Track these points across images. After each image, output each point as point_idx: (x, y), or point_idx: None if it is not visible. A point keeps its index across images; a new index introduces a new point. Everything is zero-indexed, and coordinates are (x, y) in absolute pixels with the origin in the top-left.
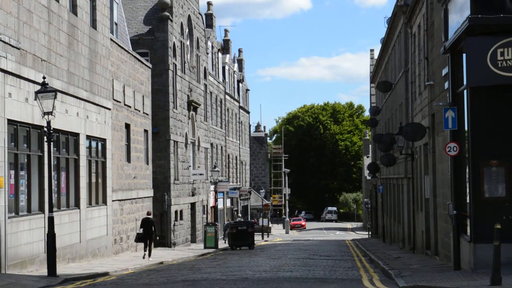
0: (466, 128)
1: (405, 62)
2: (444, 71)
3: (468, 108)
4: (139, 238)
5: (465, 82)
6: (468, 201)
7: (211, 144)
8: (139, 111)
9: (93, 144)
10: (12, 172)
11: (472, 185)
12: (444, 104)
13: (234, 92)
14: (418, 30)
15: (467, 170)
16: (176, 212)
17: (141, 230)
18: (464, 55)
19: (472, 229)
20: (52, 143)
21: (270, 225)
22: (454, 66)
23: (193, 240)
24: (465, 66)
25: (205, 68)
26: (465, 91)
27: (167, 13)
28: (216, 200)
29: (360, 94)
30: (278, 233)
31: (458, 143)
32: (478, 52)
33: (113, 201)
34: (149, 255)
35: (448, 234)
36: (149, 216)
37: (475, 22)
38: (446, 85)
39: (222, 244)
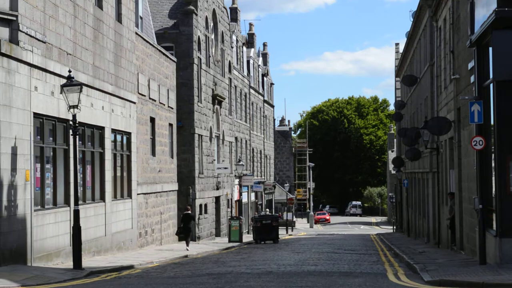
0: (492, 122)
1: (431, 55)
2: (470, 64)
3: (494, 102)
4: (179, 232)
5: (491, 76)
6: (494, 195)
7: (236, 138)
8: (164, 104)
9: (118, 137)
10: (38, 165)
11: (498, 179)
12: (470, 98)
13: (258, 86)
14: (443, 23)
15: (493, 164)
16: (200, 205)
17: (182, 224)
18: (490, 48)
19: (498, 223)
20: (77, 136)
21: (295, 219)
22: (480, 59)
23: (218, 234)
24: (491, 59)
25: (229, 62)
26: (491, 85)
27: (192, 7)
28: (240, 194)
29: (384, 88)
30: (302, 227)
31: (484, 137)
32: (505, 45)
33: (138, 194)
34: (187, 245)
35: (473, 229)
36: (189, 212)
37: (502, 15)
38: (472, 78)
39: (247, 238)
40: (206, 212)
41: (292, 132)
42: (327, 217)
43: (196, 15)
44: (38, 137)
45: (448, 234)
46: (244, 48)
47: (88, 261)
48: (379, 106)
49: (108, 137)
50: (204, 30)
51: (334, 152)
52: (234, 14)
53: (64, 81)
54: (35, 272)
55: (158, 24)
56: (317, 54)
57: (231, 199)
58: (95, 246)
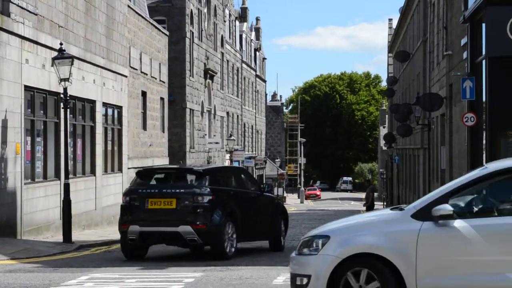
0: (484, 99)
1: (424, 31)
2: (463, 41)
3: (487, 78)
4: None
5: (484, 52)
6: None
7: (227, 113)
8: (156, 78)
9: (109, 111)
10: (29, 138)
11: (489, 156)
12: (462, 74)
13: (251, 60)
14: None
15: (484, 141)
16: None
17: None
18: (483, 24)
19: None
20: (68, 109)
21: (285, 194)
22: (473, 36)
23: None
24: (484, 36)
25: (222, 36)
26: (483, 61)
27: None
28: None
29: (377, 64)
30: (293, 203)
31: (476, 113)
32: (498, 22)
33: (128, 168)
34: None
35: None
36: None
37: None
38: (465, 55)
39: None
40: None
41: (284, 108)
42: (318, 193)
43: None
44: (29, 110)
45: None
46: (237, 22)
47: (78, 235)
48: (371, 82)
49: (99, 110)
50: (197, 3)
51: (325, 127)
52: None
53: (55, 53)
54: (24, 246)
55: None
56: (310, 29)
57: None
58: (85, 220)
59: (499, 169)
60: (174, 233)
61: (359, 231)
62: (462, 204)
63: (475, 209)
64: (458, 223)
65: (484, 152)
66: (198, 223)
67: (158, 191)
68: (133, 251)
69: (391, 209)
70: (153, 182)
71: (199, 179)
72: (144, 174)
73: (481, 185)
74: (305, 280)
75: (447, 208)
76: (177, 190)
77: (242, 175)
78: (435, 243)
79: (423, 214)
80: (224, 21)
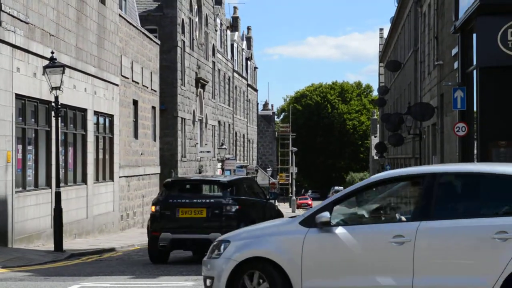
0: (475, 109)
1: (415, 41)
2: (454, 51)
3: (478, 88)
4: None
5: (474, 62)
6: None
7: (219, 122)
8: (147, 87)
9: (101, 120)
10: (20, 146)
11: None
12: (453, 84)
13: (242, 70)
14: (428, 9)
15: (475, 150)
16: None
17: None
18: (474, 35)
19: None
20: (59, 118)
21: (277, 203)
22: (464, 46)
23: None
24: (475, 46)
25: (213, 45)
26: (474, 71)
27: None
28: None
29: (368, 74)
30: (284, 212)
31: (467, 123)
32: (489, 32)
33: (120, 177)
34: None
35: None
36: None
37: (486, 1)
38: (456, 65)
39: None
40: None
41: (276, 117)
42: (310, 202)
43: None
44: (20, 118)
45: None
46: (228, 32)
47: (69, 244)
48: (363, 91)
49: (91, 119)
50: (188, 12)
51: (317, 137)
52: None
53: (46, 62)
54: (15, 254)
55: (141, 6)
56: (301, 39)
57: None
58: (76, 228)
59: (373, 181)
60: (205, 240)
61: (255, 237)
62: (346, 212)
63: (355, 216)
64: (338, 229)
65: (475, 161)
66: (227, 230)
67: (189, 201)
68: (160, 256)
69: (290, 217)
70: (181, 192)
71: (225, 190)
72: (171, 185)
73: (362, 194)
74: (209, 282)
75: (326, 215)
76: (207, 200)
77: (254, 185)
78: (318, 248)
79: (309, 222)
80: (216, 30)
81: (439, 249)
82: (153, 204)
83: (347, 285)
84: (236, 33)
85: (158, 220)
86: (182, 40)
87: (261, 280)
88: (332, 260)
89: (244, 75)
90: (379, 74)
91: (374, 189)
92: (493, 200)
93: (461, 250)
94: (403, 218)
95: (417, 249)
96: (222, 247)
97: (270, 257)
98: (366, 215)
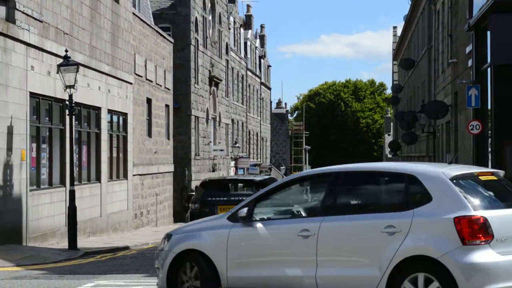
0: (489, 107)
1: (429, 39)
2: (468, 48)
3: (492, 86)
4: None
5: (489, 60)
6: None
7: (232, 120)
8: (161, 86)
9: (115, 118)
10: (34, 145)
11: (494, 164)
12: (467, 82)
13: (255, 68)
14: (442, 7)
15: (489, 148)
16: (196, 187)
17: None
18: (488, 32)
19: None
20: (74, 116)
21: None
22: (478, 43)
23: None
24: (489, 43)
25: (227, 43)
26: (488, 69)
27: None
28: None
29: (381, 72)
30: None
31: (481, 121)
32: (503, 29)
33: (133, 175)
34: None
35: None
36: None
37: None
38: (470, 62)
39: None
40: None
41: (289, 115)
42: None
43: None
44: (34, 116)
45: None
46: (242, 30)
47: (83, 242)
48: (376, 89)
49: (104, 117)
50: (202, 11)
51: (330, 135)
52: None
53: (60, 60)
54: (30, 252)
55: (155, 4)
56: (314, 37)
57: None
58: (90, 226)
59: (289, 179)
60: None
61: (191, 231)
62: (266, 208)
63: (273, 212)
64: (257, 224)
65: (489, 160)
66: None
67: (227, 199)
68: None
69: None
70: (218, 191)
71: (259, 188)
72: (208, 184)
73: (280, 192)
74: (158, 272)
75: (243, 211)
76: (244, 198)
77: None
78: (239, 241)
79: (234, 217)
80: (229, 29)
81: (337, 243)
82: (192, 202)
83: (262, 275)
84: (250, 31)
85: (197, 218)
86: (195, 38)
87: (194, 271)
88: (251, 252)
89: (258, 73)
90: (393, 72)
91: (291, 187)
92: (385, 196)
93: (356, 243)
94: (312, 214)
95: (320, 243)
96: (166, 240)
97: (201, 249)
98: (282, 211)
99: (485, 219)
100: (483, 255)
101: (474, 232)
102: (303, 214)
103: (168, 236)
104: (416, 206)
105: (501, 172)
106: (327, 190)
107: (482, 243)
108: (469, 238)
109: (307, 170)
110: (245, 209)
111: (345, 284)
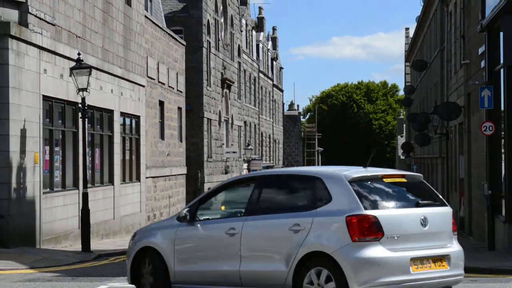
0: (502, 108)
1: (441, 40)
2: (481, 49)
3: (505, 87)
4: None
5: (501, 61)
6: (503, 181)
7: (245, 122)
8: (173, 88)
9: (127, 121)
10: (47, 148)
11: (508, 165)
12: (480, 83)
13: (267, 70)
14: (454, 8)
15: (503, 150)
16: (209, 189)
17: None
18: (501, 33)
19: (507, 209)
20: (86, 119)
21: None
22: (490, 44)
23: None
24: (502, 44)
25: (239, 46)
26: (501, 70)
27: None
28: None
29: (393, 73)
30: None
31: (494, 122)
32: None
33: (146, 178)
34: None
35: (482, 215)
36: None
37: None
38: (483, 63)
39: None
40: None
41: (301, 117)
42: None
43: None
44: (47, 119)
45: (457, 219)
46: (254, 32)
47: (96, 244)
48: (389, 91)
49: (117, 120)
50: (214, 13)
51: (343, 136)
52: None
53: (73, 63)
54: (43, 255)
55: (167, 7)
56: (325, 39)
57: None
58: (103, 229)
59: (224, 183)
60: None
61: (150, 230)
62: (207, 209)
63: (211, 213)
64: (197, 224)
65: (503, 161)
66: None
67: None
68: None
69: None
70: None
71: None
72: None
73: (218, 195)
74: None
75: (183, 212)
76: None
77: None
78: (184, 239)
79: (181, 217)
80: (241, 31)
81: (255, 240)
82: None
83: (201, 269)
84: (262, 33)
85: None
86: (207, 41)
87: (151, 266)
88: (192, 249)
89: (270, 75)
90: (405, 74)
91: (228, 189)
92: (296, 197)
93: (269, 240)
94: (239, 215)
95: (243, 240)
96: (132, 238)
97: (155, 247)
98: (218, 212)
99: (376, 218)
100: (371, 251)
101: (364, 229)
102: (234, 215)
103: (134, 235)
104: (319, 206)
105: (419, 176)
106: (251, 193)
107: (372, 240)
108: (358, 235)
109: (238, 176)
110: (184, 211)
111: (261, 277)
